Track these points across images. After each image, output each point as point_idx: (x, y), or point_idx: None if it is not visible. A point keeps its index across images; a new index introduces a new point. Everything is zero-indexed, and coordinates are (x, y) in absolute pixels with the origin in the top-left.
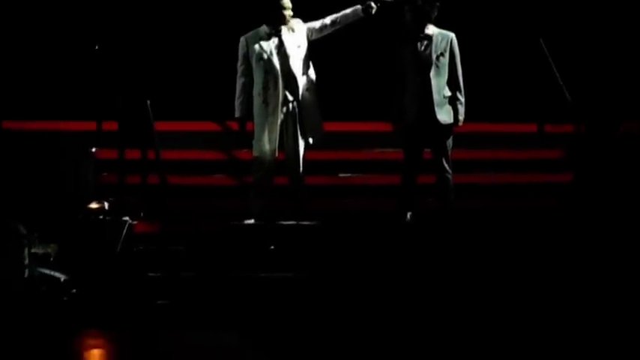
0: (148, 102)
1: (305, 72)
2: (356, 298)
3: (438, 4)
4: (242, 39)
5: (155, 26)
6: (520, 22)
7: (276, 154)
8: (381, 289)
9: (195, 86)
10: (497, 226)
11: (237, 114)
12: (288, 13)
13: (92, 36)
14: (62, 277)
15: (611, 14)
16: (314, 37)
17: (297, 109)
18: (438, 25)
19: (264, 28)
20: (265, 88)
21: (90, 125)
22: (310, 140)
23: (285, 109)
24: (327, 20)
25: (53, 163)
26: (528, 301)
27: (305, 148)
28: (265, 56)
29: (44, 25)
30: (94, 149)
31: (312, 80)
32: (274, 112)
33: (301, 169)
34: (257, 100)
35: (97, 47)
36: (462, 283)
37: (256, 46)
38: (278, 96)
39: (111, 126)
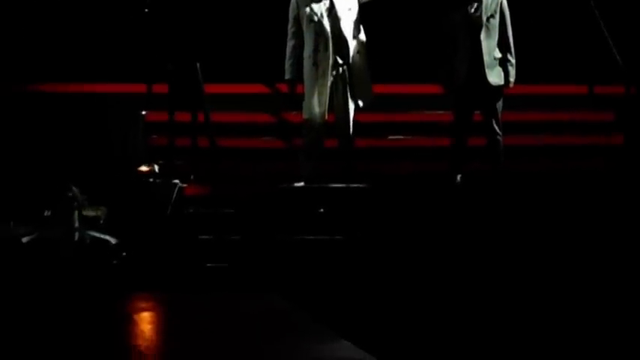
0: (198, 64)
1: (355, 35)
2: (404, 261)
3: None
4: (293, 1)
5: None
6: None
7: (326, 117)
8: (431, 252)
9: (246, 48)
10: (548, 188)
11: (287, 76)
12: None
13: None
14: (112, 240)
15: None
16: (364, 0)
17: (347, 72)
18: None
19: None
20: (316, 50)
21: (140, 88)
22: (360, 103)
23: (335, 71)
24: None
25: (103, 125)
26: (578, 264)
27: (355, 111)
28: (316, 18)
29: None
30: (144, 112)
31: (362, 43)
32: (324, 75)
33: (351, 131)
34: (307, 63)
35: (146, 10)
36: (512, 245)
37: (307, 9)
38: (328, 59)
39: (161, 88)
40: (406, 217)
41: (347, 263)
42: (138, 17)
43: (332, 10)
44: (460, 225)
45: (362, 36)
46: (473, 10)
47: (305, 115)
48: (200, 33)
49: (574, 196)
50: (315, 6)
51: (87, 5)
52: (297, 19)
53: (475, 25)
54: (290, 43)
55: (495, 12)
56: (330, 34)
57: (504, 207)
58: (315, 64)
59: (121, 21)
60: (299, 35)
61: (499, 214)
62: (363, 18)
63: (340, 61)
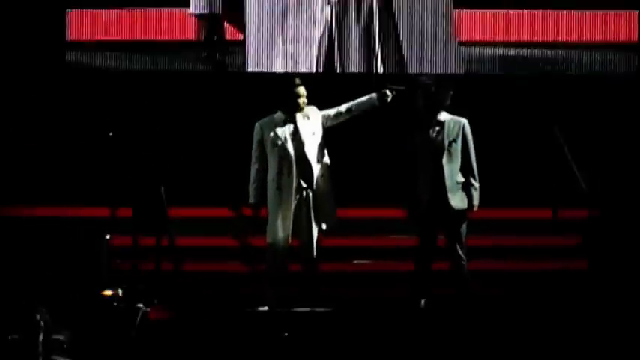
0: (163, 189)
1: (320, 159)
2: None
3: (451, 91)
4: (257, 125)
5: (169, 112)
6: (534, 108)
7: (290, 241)
8: None
9: (210, 172)
10: (513, 313)
11: (251, 200)
12: (303, 100)
13: (106, 123)
14: None
15: (624, 102)
16: (329, 124)
17: (310, 196)
18: (451, 111)
19: (279, 115)
20: (279, 174)
21: (104, 212)
22: (324, 227)
23: (298, 195)
24: (342, 108)
25: (67, 249)
26: None
27: (318, 235)
28: (280, 142)
29: (59, 113)
30: (108, 236)
31: (326, 167)
32: (288, 199)
33: (315, 255)
34: (271, 187)
35: (111, 134)
36: None
37: (271, 133)
38: (292, 182)
39: (125, 212)
40: (371, 341)
41: None
42: (102, 141)
43: (296, 135)
44: (425, 350)
45: (326, 159)
46: (435, 134)
47: (269, 240)
48: (164, 157)
49: (541, 322)
50: (279, 130)
51: (51, 129)
52: (261, 143)
53: (437, 149)
54: (254, 167)
55: (457, 136)
56: (293, 158)
57: (469, 332)
58: (279, 188)
59: (85, 145)
60: (263, 159)
61: (464, 340)
62: (328, 142)
63: (304, 185)
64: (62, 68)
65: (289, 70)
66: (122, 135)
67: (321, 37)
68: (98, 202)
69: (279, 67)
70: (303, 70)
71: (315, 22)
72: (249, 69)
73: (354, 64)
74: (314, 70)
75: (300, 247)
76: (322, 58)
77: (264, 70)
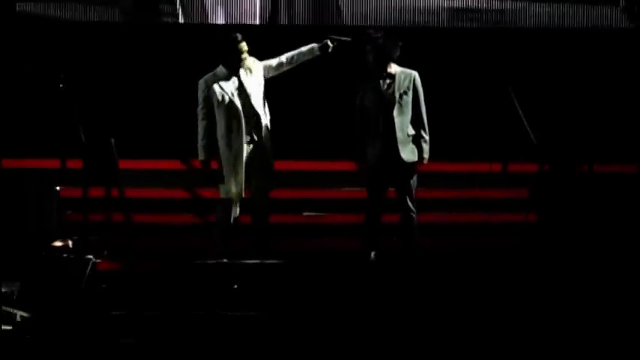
0: (113, 140)
1: (264, 111)
2: (319, 338)
3: (400, 43)
4: (201, 81)
5: (120, 64)
6: (484, 59)
7: (243, 195)
8: (345, 329)
9: (160, 123)
10: (462, 265)
11: (200, 157)
12: (245, 56)
13: (57, 73)
14: (25, 316)
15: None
16: (270, 74)
17: (259, 149)
18: (401, 64)
19: (221, 70)
20: (229, 130)
21: (54, 163)
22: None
23: (249, 149)
24: (283, 58)
25: (17, 200)
26: (491, 345)
27: (268, 186)
28: (226, 98)
29: (8, 62)
30: (58, 187)
31: (269, 119)
32: (239, 154)
33: (268, 207)
34: (221, 143)
35: (61, 85)
36: (425, 323)
37: (216, 88)
38: (242, 138)
39: (75, 164)
40: (321, 293)
41: (260, 339)
42: (53, 92)
43: (242, 89)
44: (374, 302)
45: (268, 111)
46: (385, 87)
47: (222, 195)
48: (115, 108)
49: (488, 275)
50: (224, 85)
51: (1, 79)
52: (207, 100)
53: (387, 101)
54: (202, 124)
55: (408, 88)
56: (242, 112)
57: (418, 285)
58: (229, 144)
59: (35, 95)
60: (210, 115)
61: (413, 292)
62: (283, 95)
63: (255, 138)
64: (13, 19)
65: (231, 21)
66: (73, 86)
67: None
68: (48, 153)
69: (220, 18)
70: (246, 21)
71: None
72: (189, 20)
73: (299, 15)
74: (257, 21)
75: (253, 200)
76: (266, 8)
77: (204, 21)
